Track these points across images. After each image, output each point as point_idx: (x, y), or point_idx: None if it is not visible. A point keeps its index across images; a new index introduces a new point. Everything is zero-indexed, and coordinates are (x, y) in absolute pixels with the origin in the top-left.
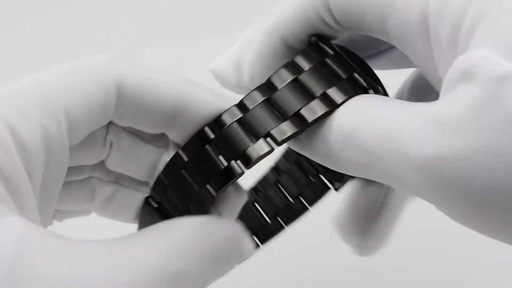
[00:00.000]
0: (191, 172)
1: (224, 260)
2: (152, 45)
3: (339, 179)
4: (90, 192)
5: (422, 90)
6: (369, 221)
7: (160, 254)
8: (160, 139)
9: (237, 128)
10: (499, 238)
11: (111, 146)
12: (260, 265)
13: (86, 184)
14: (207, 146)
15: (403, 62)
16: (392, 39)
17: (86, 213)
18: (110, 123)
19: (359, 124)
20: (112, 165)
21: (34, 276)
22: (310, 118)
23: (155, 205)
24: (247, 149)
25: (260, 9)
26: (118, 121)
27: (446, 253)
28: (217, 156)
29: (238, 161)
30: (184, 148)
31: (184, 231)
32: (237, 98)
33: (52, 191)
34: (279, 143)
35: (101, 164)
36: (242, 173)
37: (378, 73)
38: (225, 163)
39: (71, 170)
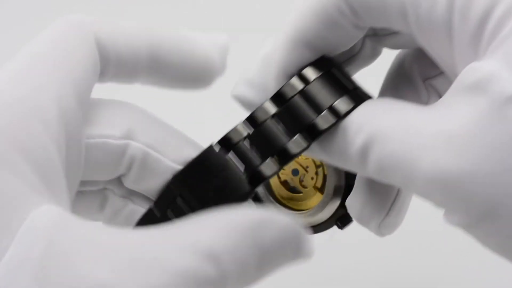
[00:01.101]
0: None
1: (273, 265)
2: None
3: None
4: (101, 202)
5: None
6: (393, 197)
7: (194, 256)
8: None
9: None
10: (496, 252)
11: (131, 163)
12: None
13: (100, 194)
14: (270, 120)
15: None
16: (413, 33)
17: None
18: (130, 140)
19: (373, 140)
20: (129, 182)
21: (65, 275)
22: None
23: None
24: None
25: (261, 10)
26: (103, 78)
27: (445, 255)
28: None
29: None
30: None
31: (230, 228)
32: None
33: (73, 173)
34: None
35: (117, 179)
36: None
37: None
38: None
39: (86, 181)
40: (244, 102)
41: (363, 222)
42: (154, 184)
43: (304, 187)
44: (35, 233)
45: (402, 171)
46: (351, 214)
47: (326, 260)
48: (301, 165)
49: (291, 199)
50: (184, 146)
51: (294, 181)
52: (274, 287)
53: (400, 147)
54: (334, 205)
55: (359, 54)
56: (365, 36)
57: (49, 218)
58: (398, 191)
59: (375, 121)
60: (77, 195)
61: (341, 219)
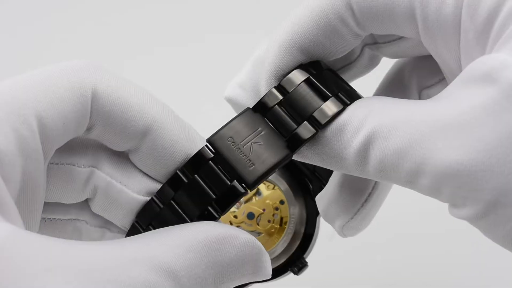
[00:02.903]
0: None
1: (231, 282)
2: (150, 46)
3: None
4: (76, 234)
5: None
6: (360, 203)
7: (150, 271)
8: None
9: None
10: (501, 243)
11: (95, 190)
12: None
13: (71, 226)
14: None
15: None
16: (420, 34)
17: None
18: (95, 168)
19: (373, 138)
20: (97, 209)
21: (13, 284)
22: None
23: (161, 206)
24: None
25: (256, 10)
26: (88, 133)
27: (445, 257)
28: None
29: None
30: (210, 143)
31: (189, 245)
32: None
33: (34, 197)
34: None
35: (88, 208)
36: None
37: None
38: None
39: (53, 207)
40: (235, 104)
41: (327, 219)
42: (120, 213)
43: (265, 229)
44: None
45: (407, 167)
46: (318, 209)
47: (328, 262)
48: (257, 208)
49: None
50: (146, 178)
51: (252, 227)
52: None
53: (405, 142)
54: (291, 250)
55: (356, 63)
56: (365, 45)
57: (0, 232)
58: (367, 198)
59: (374, 118)
60: (48, 225)
61: (297, 264)
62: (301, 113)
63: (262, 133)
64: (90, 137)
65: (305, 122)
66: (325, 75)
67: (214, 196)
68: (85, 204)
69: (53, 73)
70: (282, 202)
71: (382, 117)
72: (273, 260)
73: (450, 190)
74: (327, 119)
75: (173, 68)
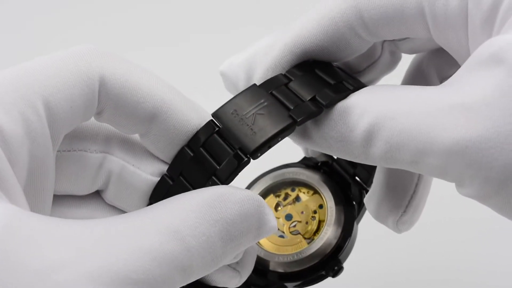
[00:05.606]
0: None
1: (238, 239)
2: (149, 45)
3: None
4: None
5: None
6: (409, 195)
7: (155, 234)
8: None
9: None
10: None
11: (109, 176)
12: None
13: None
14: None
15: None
16: (431, 31)
17: None
18: (107, 153)
19: (380, 120)
20: (109, 198)
21: (20, 261)
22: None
23: (171, 182)
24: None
25: (253, 11)
26: (98, 117)
27: (446, 248)
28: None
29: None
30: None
31: (190, 206)
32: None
33: (43, 185)
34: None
35: (101, 202)
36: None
37: None
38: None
39: (65, 202)
40: (227, 80)
41: (380, 219)
42: (136, 197)
43: (293, 233)
44: None
45: (413, 146)
46: (369, 211)
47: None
48: (296, 212)
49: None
50: (158, 161)
51: (284, 227)
52: None
53: (413, 122)
54: (324, 252)
55: (379, 60)
56: (384, 42)
57: (2, 215)
58: (416, 189)
59: (381, 101)
60: None
61: (332, 266)
62: (306, 94)
63: (266, 103)
64: (101, 121)
65: (310, 100)
66: (333, 69)
67: (217, 166)
68: (98, 198)
69: (60, 58)
70: (321, 206)
71: (389, 100)
72: (306, 258)
73: (458, 168)
74: (330, 99)
75: (166, 67)
